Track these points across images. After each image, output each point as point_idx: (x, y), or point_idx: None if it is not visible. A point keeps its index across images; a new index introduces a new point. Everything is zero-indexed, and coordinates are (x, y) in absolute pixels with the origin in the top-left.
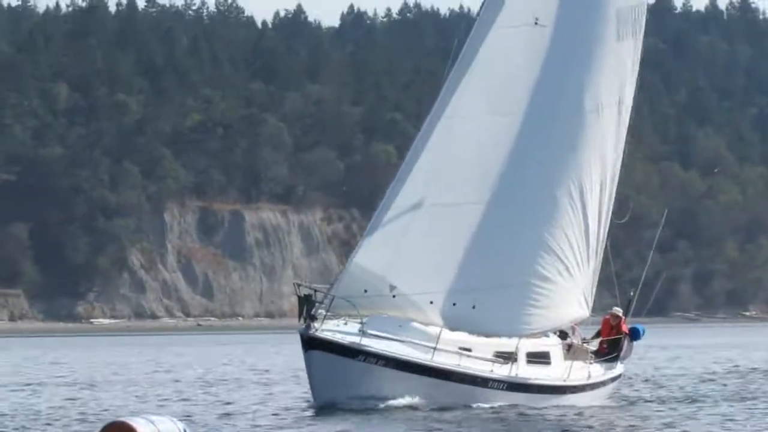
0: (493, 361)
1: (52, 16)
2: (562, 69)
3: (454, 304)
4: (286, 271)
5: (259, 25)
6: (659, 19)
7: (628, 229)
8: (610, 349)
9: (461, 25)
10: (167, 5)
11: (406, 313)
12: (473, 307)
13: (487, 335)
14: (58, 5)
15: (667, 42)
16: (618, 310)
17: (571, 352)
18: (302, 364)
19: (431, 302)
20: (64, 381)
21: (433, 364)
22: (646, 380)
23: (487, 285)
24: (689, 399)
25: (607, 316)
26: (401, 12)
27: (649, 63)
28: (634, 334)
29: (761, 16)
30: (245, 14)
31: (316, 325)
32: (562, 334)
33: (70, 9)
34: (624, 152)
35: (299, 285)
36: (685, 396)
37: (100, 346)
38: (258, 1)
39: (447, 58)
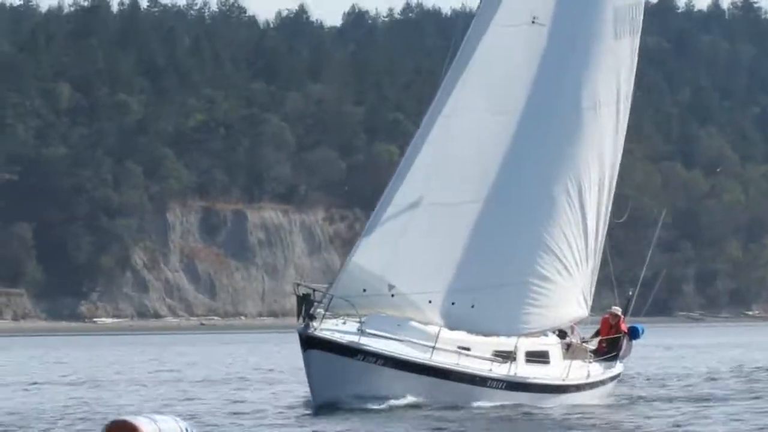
0: (492, 361)
1: (54, 16)
2: (559, 67)
3: (452, 304)
4: (289, 271)
5: (261, 24)
6: (662, 18)
7: (630, 229)
8: (609, 349)
9: (459, 24)
10: (169, 5)
11: (405, 313)
12: (472, 307)
13: (486, 334)
14: (60, 5)
15: (670, 41)
16: (617, 310)
17: (570, 351)
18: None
19: (430, 301)
20: (67, 380)
21: (432, 364)
22: (648, 379)
23: (486, 284)
24: (695, 398)
25: (606, 316)
26: (403, 12)
27: (651, 62)
28: (633, 334)
29: (763, 16)
30: (247, 14)
31: (315, 324)
32: (561, 334)
33: (72, 9)
34: (625, 152)
35: (298, 284)
36: (691, 396)
37: (103, 346)
38: (260, 1)
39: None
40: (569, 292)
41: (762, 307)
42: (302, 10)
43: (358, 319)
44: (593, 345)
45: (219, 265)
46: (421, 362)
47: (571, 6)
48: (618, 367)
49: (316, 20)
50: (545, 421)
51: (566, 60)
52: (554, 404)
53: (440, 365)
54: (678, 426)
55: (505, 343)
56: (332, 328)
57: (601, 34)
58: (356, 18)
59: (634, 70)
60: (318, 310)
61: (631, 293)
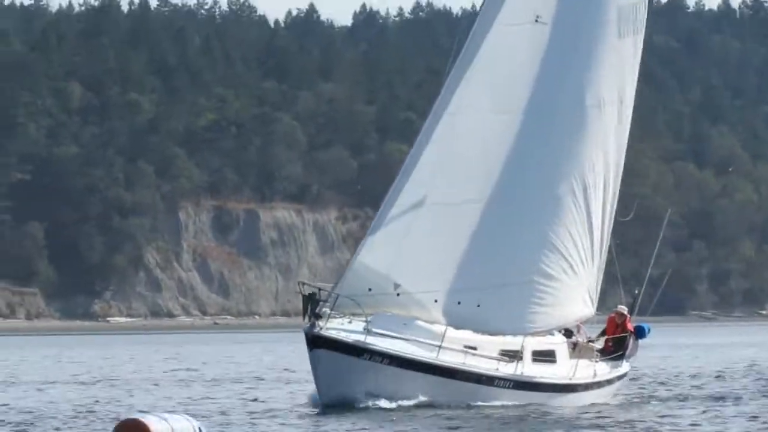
0: (499, 360)
1: (64, 16)
2: (563, 66)
3: (458, 303)
4: (302, 270)
5: (272, 24)
6: (672, 18)
7: (643, 228)
8: (615, 348)
9: (462, 24)
10: (179, 4)
11: (411, 312)
12: (478, 306)
13: (493, 334)
14: (70, 4)
15: (681, 41)
16: (623, 309)
17: (576, 350)
18: None
19: (436, 300)
20: (80, 379)
21: (439, 363)
22: (665, 380)
23: (489, 284)
24: (709, 397)
25: (613, 315)
26: (413, 11)
27: (662, 62)
28: (640, 333)
29: None
30: (257, 13)
31: (321, 323)
32: (567, 333)
33: (83, 8)
34: (637, 151)
35: (303, 284)
36: (704, 395)
37: (117, 345)
38: (270, 1)
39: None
40: (575, 290)
41: None
42: (312, 10)
43: (363, 319)
44: (599, 344)
45: (232, 264)
46: (427, 361)
47: (574, 5)
48: (624, 367)
49: (327, 19)
50: (560, 421)
51: (569, 59)
52: (561, 404)
53: (447, 364)
54: (694, 426)
55: (511, 342)
56: (338, 328)
57: (604, 33)
58: (367, 17)
59: (638, 69)
60: (324, 309)
61: (636, 292)
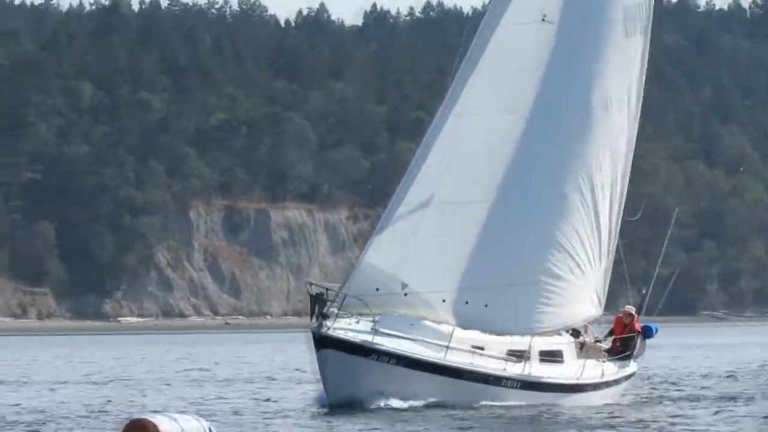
0: (506, 360)
1: (75, 15)
2: (569, 65)
3: (466, 303)
4: (313, 270)
5: (282, 23)
6: (682, 17)
7: (653, 228)
8: (623, 348)
9: (471, 23)
10: (190, 4)
11: (418, 312)
12: (485, 306)
13: (500, 334)
14: (81, 3)
15: (691, 40)
16: (630, 309)
17: (583, 350)
18: None
19: (443, 300)
20: (92, 379)
21: (446, 363)
22: (676, 380)
23: (495, 284)
24: (721, 397)
25: (620, 315)
26: (424, 10)
27: (672, 61)
28: (647, 333)
29: None
30: (268, 13)
31: (328, 323)
32: (575, 333)
33: (93, 7)
34: (648, 151)
35: (311, 284)
36: (717, 395)
37: (128, 345)
38: (280, 0)
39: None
40: (582, 290)
41: None
42: (323, 9)
43: (371, 319)
44: (607, 344)
45: (243, 264)
46: (435, 362)
47: (581, 4)
48: (631, 367)
49: (337, 19)
50: (573, 422)
51: (576, 58)
52: (568, 404)
53: (454, 365)
54: (707, 426)
55: (519, 342)
56: (345, 328)
57: (610, 33)
58: (377, 17)
59: (645, 68)
60: (331, 309)
61: (644, 292)
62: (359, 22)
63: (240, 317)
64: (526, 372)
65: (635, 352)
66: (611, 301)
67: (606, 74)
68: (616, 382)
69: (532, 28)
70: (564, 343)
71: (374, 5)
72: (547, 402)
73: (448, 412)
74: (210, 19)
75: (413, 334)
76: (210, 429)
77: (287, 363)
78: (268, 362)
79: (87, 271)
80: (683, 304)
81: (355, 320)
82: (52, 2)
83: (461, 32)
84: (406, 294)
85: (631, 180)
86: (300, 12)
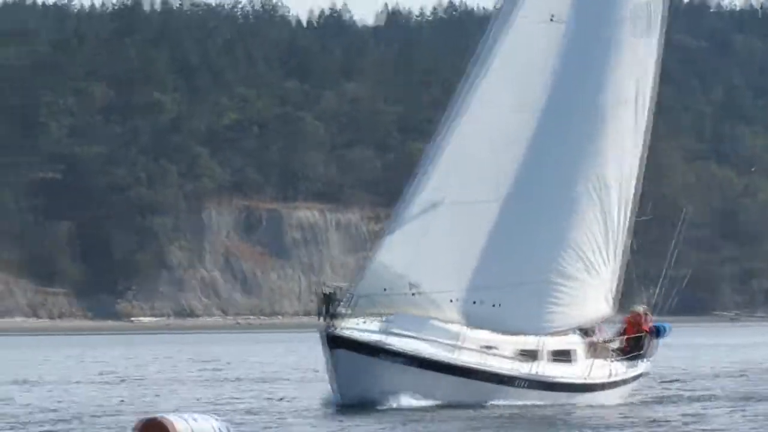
0: (517, 359)
1: (87, 16)
2: (579, 65)
3: (474, 302)
4: (326, 270)
5: (294, 24)
6: (695, 17)
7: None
8: (632, 347)
9: (486, 24)
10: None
11: (427, 311)
12: (495, 305)
13: (511, 333)
14: (93, 5)
15: (703, 41)
16: (640, 308)
17: (593, 350)
18: None
19: (452, 300)
20: (105, 379)
21: (457, 363)
22: (689, 379)
23: (506, 283)
24: (734, 397)
25: (631, 315)
26: (441, 11)
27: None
28: (659, 332)
29: None
30: (280, 13)
31: (338, 323)
32: (585, 332)
33: (107, 8)
34: (661, 151)
35: (325, 284)
36: (730, 394)
37: (141, 344)
38: (293, 0)
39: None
40: (593, 290)
41: None
42: (335, 10)
43: (380, 318)
44: (617, 344)
45: (255, 264)
46: (446, 361)
47: (589, 3)
48: (641, 366)
49: (350, 18)
50: (586, 421)
51: (585, 58)
52: (577, 403)
53: (465, 364)
54: (720, 425)
55: (529, 342)
56: (355, 327)
57: (619, 32)
58: (391, 17)
59: (655, 67)
60: (340, 309)
61: (653, 292)
62: (381, 22)
63: (252, 317)
64: (536, 372)
65: (645, 352)
66: (628, 300)
67: (616, 74)
68: (625, 381)
69: (542, 28)
70: (574, 342)
71: (386, 5)
72: (556, 402)
73: (460, 411)
74: (222, 19)
75: (424, 334)
76: (228, 429)
77: (299, 363)
78: (280, 362)
79: (99, 271)
80: (696, 304)
81: (363, 320)
82: (65, 3)
83: (480, 33)
84: (413, 294)
85: (643, 179)
86: (312, 12)
